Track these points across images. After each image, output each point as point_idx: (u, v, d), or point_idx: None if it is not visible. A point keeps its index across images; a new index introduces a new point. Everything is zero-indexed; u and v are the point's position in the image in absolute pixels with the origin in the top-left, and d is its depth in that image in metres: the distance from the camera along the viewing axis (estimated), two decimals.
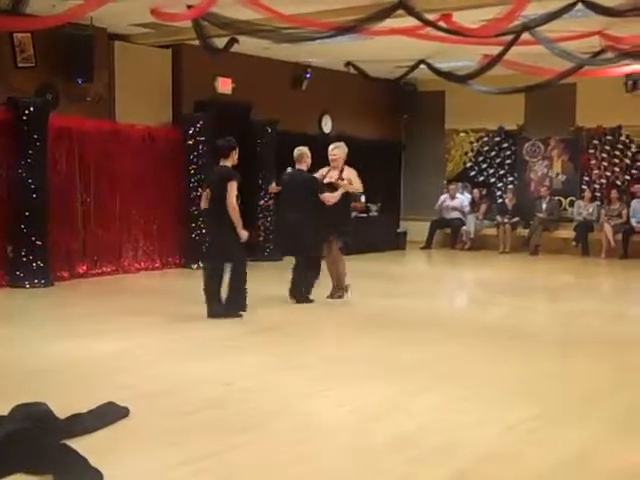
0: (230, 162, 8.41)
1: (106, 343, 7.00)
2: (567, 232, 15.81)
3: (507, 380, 6.00)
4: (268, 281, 10.47)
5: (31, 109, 10.25)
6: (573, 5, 8.88)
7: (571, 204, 16.18)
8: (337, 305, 9.37)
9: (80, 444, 4.20)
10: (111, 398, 4.99)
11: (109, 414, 4.78)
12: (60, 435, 4.30)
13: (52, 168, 10.70)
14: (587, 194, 15.79)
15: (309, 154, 9.25)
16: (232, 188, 8.16)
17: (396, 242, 16.59)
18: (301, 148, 9.30)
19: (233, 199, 8.16)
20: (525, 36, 9.96)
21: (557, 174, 16.47)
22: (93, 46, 11.24)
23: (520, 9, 8.84)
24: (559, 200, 16.27)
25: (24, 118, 10.21)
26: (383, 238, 16.13)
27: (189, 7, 9.46)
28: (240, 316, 8.27)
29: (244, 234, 8.31)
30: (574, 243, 15.56)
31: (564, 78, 11.92)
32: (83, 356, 6.51)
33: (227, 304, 8.32)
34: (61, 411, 4.60)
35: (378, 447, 4.39)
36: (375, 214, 16.26)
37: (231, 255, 8.32)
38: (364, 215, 15.88)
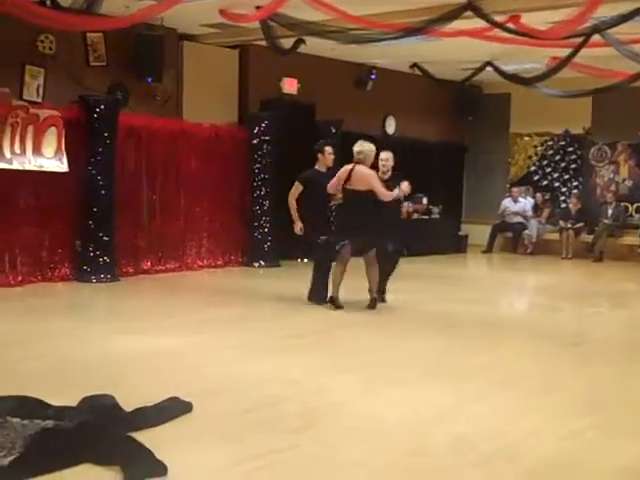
0: (321, 164, 9.03)
1: (169, 339, 7.12)
2: (633, 239, 15.49)
3: (568, 387, 5.93)
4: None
5: (102, 107, 10.47)
6: None
7: (638, 210, 15.86)
8: (397, 307, 9.37)
9: (145, 437, 4.28)
10: (174, 393, 5.08)
11: (173, 409, 4.86)
12: (126, 427, 4.39)
13: (120, 165, 10.94)
14: None
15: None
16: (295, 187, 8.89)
17: (457, 245, 16.49)
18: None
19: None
20: (594, 38, 9.81)
21: (624, 179, 16.16)
22: (163, 46, 11.44)
23: (591, 11, 8.71)
24: (625, 206, 15.96)
25: (95, 116, 10.45)
26: (444, 241, 16.04)
27: (258, 8, 9.57)
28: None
29: (297, 227, 9.03)
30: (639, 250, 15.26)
31: (634, 81, 11.69)
32: (147, 351, 6.63)
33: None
34: (126, 404, 4.71)
35: (435, 451, 4.37)
36: (437, 217, 16.18)
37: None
38: (426, 217, 15.84)
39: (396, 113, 15.83)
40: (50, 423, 4.21)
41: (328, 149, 9.16)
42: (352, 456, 4.28)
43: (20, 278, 9.98)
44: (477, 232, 16.73)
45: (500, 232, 16.71)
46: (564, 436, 4.69)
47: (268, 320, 8.27)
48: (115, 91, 11.20)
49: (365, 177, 8.54)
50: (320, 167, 9.15)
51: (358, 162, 8.62)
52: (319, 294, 9.04)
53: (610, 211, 15.77)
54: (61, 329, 7.48)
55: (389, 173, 9.31)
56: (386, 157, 9.38)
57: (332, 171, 9.01)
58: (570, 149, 16.70)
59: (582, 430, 4.80)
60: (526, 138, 17.19)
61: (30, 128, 9.95)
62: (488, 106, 16.93)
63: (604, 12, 9.01)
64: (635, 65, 10.76)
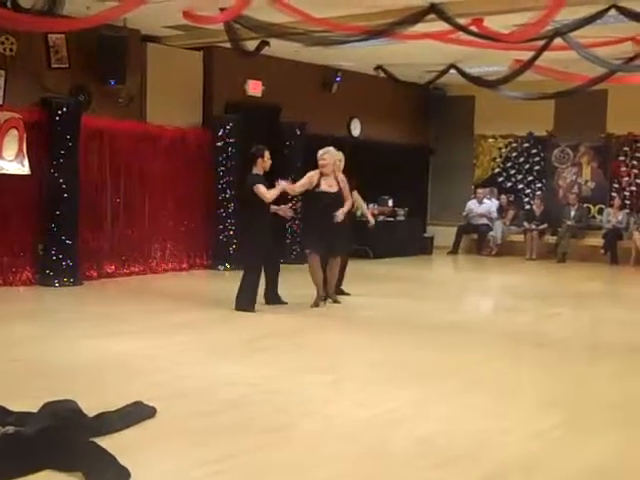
0: (259, 168, 8.97)
1: (133, 342, 7.07)
2: (595, 240, 15.66)
3: (533, 387, 5.99)
4: (293, 283, 10.49)
5: (64, 110, 10.38)
6: (606, 11, 8.82)
7: (600, 212, 16.05)
8: (363, 308, 9.40)
9: (107, 442, 4.24)
10: (138, 397, 5.04)
11: (136, 413, 4.82)
12: (89, 433, 4.35)
13: (83, 168, 10.82)
14: (616, 202, 15.64)
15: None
16: (258, 189, 8.81)
17: (423, 247, 16.55)
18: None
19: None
20: (557, 41, 9.90)
21: (586, 181, 16.35)
22: (126, 48, 11.33)
23: (553, 14, 8.79)
24: (588, 207, 16.15)
25: (57, 118, 10.34)
26: (410, 243, 16.10)
27: (221, 10, 9.52)
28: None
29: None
30: (602, 251, 15.41)
31: (596, 84, 11.81)
32: (111, 355, 6.57)
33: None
34: (90, 409, 4.67)
35: (401, 452, 4.39)
36: (402, 219, 16.24)
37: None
38: (391, 219, 15.89)
39: (361, 115, 15.86)
40: (11, 429, 4.16)
41: (267, 154, 9.15)
42: (316, 458, 4.28)
43: None
44: (442, 234, 16.82)
45: (465, 233, 16.82)
46: (529, 436, 4.73)
47: (234, 323, 8.23)
48: (77, 93, 11.08)
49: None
50: (259, 171, 9.10)
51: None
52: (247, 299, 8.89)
53: (573, 212, 15.93)
54: (23, 334, 7.39)
55: (328, 170, 9.33)
56: (321, 153, 9.31)
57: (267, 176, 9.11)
58: (534, 151, 16.86)
59: (547, 430, 4.84)
60: (490, 140, 17.32)
61: None
62: (452, 108, 17.04)
63: (566, 15, 9.10)
64: (596, 68, 10.89)
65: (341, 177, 9.23)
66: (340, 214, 8.94)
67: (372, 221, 10.06)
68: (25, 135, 10.13)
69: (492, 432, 4.78)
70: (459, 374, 6.32)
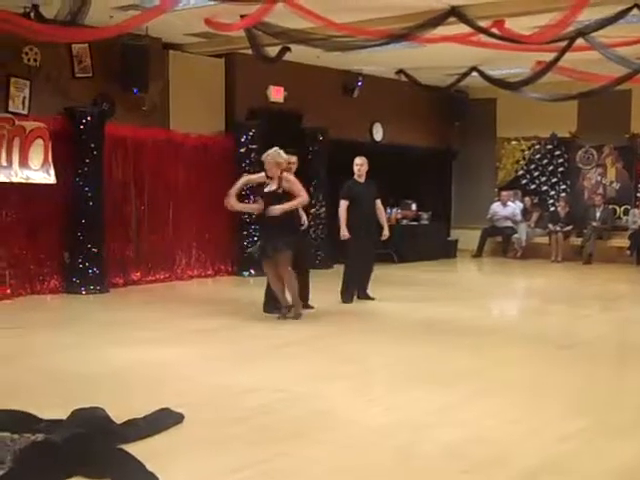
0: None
1: (159, 350, 7.10)
2: (621, 241, 15.56)
3: (560, 390, 5.94)
4: (320, 288, 10.50)
5: (88, 119, 10.47)
6: (629, 10, 8.77)
7: (625, 212, 15.93)
8: (387, 313, 9.38)
9: (135, 449, 4.26)
10: (164, 404, 5.06)
11: (163, 420, 4.84)
12: (116, 440, 4.38)
13: (108, 177, 10.92)
14: None
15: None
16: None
17: (447, 250, 16.51)
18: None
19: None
20: (579, 42, 9.85)
21: (611, 182, 16.23)
22: (148, 56, 11.41)
23: (574, 15, 8.75)
24: (613, 208, 16.03)
25: (81, 127, 10.45)
26: (434, 246, 16.07)
27: (242, 17, 9.56)
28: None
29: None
30: (628, 252, 15.30)
31: (619, 84, 11.73)
32: (138, 362, 6.61)
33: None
34: (117, 416, 4.69)
35: (427, 458, 4.36)
36: (426, 222, 16.22)
37: None
38: (415, 223, 15.86)
39: (383, 120, 15.84)
40: (40, 437, 4.19)
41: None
42: (341, 464, 4.26)
43: (9, 291, 9.94)
44: (466, 237, 16.76)
45: (490, 236, 16.74)
46: (556, 440, 4.69)
47: (258, 329, 8.24)
48: (101, 102, 11.17)
49: None
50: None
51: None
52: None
53: (598, 214, 15.82)
54: (51, 342, 7.45)
55: (363, 178, 9.87)
56: (360, 162, 9.85)
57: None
58: (557, 152, 16.76)
59: (574, 433, 4.79)
60: (513, 142, 17.24)
61: (16, 140, 9.93)
62: (475, 111, 16.98)
63: (587, 16, 9.04)
64: (620, 68, 10.82)
65: (287, 177, 8.62)
66: (277, 209, 8.43)
67: (386, 233, 10.01)
68: (50, 144, 10.23)
69: (519, 436, 4.74)
70: (485, 377, 6.29)
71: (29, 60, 10.42)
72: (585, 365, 6.84)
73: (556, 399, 5.64)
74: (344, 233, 9.71)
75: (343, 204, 9.79)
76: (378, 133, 15.90)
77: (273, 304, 8.92)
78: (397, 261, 14.87)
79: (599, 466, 4.27)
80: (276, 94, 13.57)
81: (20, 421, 4.50)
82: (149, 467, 3.97)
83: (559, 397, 5.71)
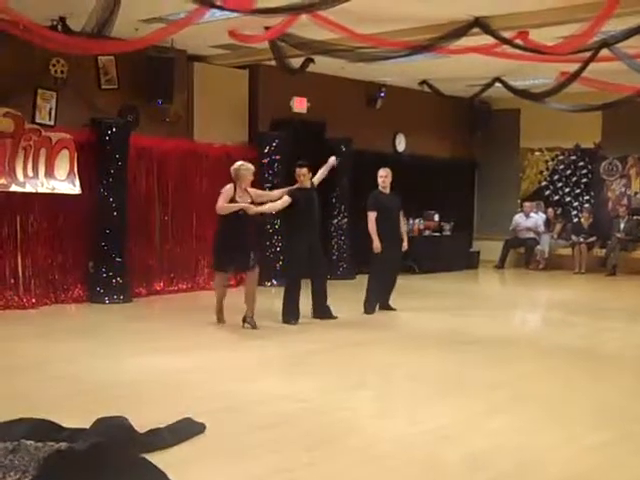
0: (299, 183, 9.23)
1: (183, 359, 7.14)
2: None
3: (584, 401, 5.90)
4: (342, 297, 10.50)
5: (113, 130, 10.57)
6: None
7: None
8: (409, 323, 9.37)
9: (158, 458, 4.29)
10: (187, 413, 5.09)
11: (186, 429, 4.86)
12: (139, 449, 4.40)
13: (132, 187, 11.01)
14: None
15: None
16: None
17: (469, 261, 16.45)
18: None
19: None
20: (604, 52, 9.81)
21: (636, 193, 16.11)
22: (173, 68, 11.51)
23: (599, 25, 8.72)
24: (638, 220, 15.90)
25: (106, 138, 10.54)
26: (456, 257, 16.01)
27: (266, 28, 9.62)
28: None
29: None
30: None
31: None
32: (161, 371, 6.64)
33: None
34: (140, 425, 4.72)
35: (451, 469, 4.36)
36: (448, 233, 16.17)
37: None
38: (437, 234, 15.83)
39: (406, 130, 15.85)
40: (63, 445, 4.21)
41: (299, 170, 9.37)
42: (366, 475, 4.26)
43: (34, 300, 10.03)
44: (489, 248, 16.69)
45: (512, 248, 16.66)
46: (581, 451, 4.67)
47: (280, 338, 8.26)
48: (126, 113, 11.28)
49: None
50: (299, 185, 9.40)
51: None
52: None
53: (622, 225, 15.71)
54: (75, 351, 7.49)
55: (387, 189, 9.92)
56: (385, 174, 9.90)
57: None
58: (581, 163, 16.67)
59: (597, 446, 4.77)
60: (537, 153, 17.17)
61: (42, 151, 10.05)
62: (498, 122, 16.94)
63: (613, 26, 9.01)
64: None
65: (251, 190, 9.08)
66: (254, 209, 8.76)
67: (405, 246, 10.01)
68: (76, 155, 10.34)
69: (543, 447, 4.72)
70: (508, 388, 6.27)
71: (56, 72, 10.54)
72: (611, 377, 6.80)
73: (581, 411, 5.61)
74: (377, 244, 9.64)
75: (372, 215, 9.76)
76: (401, 144, 15.90)
77: (292, 314, 8.96)
78: (418, 272, 14.84)
79: (623, 478, 4.24)
80: (299, 105, 13.61)
81: (43, 430, 4.52)
82: (171, 476, 3.99)
83: (583, 409, 5.67)
